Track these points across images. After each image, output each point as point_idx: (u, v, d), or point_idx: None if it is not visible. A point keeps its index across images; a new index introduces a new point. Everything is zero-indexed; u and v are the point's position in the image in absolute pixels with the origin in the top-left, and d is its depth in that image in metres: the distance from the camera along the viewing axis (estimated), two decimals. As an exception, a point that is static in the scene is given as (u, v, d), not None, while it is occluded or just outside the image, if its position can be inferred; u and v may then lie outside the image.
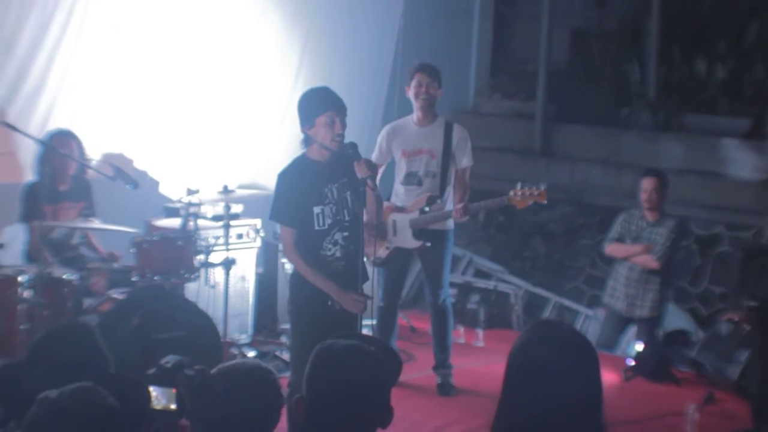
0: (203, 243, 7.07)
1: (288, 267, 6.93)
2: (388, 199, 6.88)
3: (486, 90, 11.05)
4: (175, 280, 6.76)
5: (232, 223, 7.26)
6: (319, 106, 5.24)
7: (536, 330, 2.77)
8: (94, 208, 7.24)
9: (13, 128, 6.74)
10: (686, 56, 10.03)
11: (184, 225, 6.99)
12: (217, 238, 7.30)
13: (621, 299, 7.63)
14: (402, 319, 7.77)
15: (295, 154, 5.50)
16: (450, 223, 6.80)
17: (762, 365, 6.57)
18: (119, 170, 6.73)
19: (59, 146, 6.85)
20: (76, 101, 7.75)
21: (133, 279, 6.72)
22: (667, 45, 10.06)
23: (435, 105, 6.77)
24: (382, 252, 6.75)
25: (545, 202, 6.74)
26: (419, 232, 6.72)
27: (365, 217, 5.44)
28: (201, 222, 7.27)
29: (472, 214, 6.87)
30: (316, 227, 5.26)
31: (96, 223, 7.07)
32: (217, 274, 7.21)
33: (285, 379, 6.43)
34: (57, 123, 7.44)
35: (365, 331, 6.20)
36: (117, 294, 6.62)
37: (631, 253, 7.56)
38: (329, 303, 5.24)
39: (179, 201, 7.17)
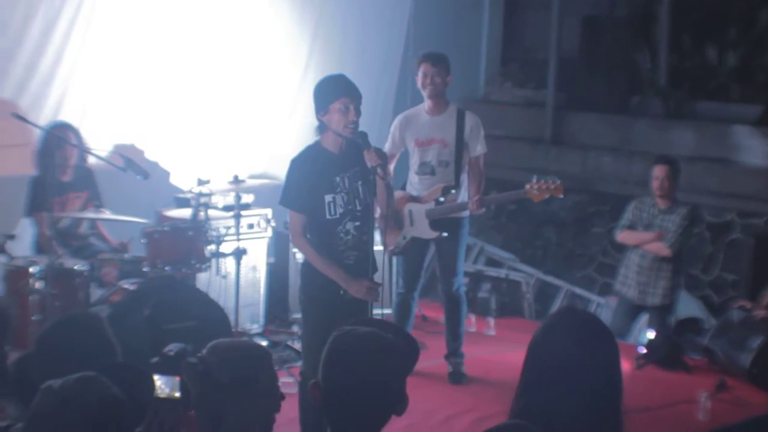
0: (214, 233, 7.09)
1: (299, 256, 6.93)
2: (404, 188, 6.89)
3: (496, 78, 11.02)
4: (186, 271, 6.78)
5: (242, 213, 7.28)
6: (333, 92, 5.24)
7: (559, 316, 2.88)
8: (101, 197, 7.24)
9: (25, 120, 6.76)
10: (697, 43, 9.98)
11: (195, 215, 7.01)
12: (228, 228, 7.32)
13: (633, 287, 7.62)
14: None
15: (305, 143, 5.49)
16: (466, 211, 6.78)
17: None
18: (130, 161, 6.74)
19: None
20: (86, 93, 7.75)
21: (144, 269, 6.73)
22: (678, 32, 10.01)
23: (444, 93, 6.74)
24: (400, 241, 6.76)
25: (562, 196, 6.73)
26: (435, 222, 6.72)
27: (377, 209, 5.45)
28: (212, 212, 7.29)
29: (487, 205, 6.87)
30: (328, 216, 5.25)
31: (107, 214, 7.08)
32: (228, 264, 7.23)
33: (296, 368, 6.46)
34: (67, 115, 7.45)
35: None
36: (128, 284, 6.62)
37: (643, 240, 7.55)
38: (341, 292, 5.24)
39: (190, 191, 7.19)
